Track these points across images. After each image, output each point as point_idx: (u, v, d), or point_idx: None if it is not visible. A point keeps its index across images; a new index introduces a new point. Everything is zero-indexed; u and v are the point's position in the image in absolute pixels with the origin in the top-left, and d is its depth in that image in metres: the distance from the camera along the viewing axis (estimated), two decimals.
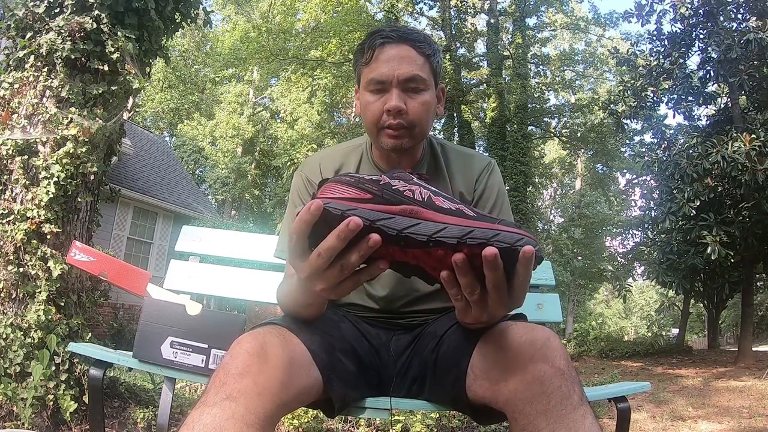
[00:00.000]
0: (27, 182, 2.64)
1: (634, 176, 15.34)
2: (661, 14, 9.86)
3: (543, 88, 19.06)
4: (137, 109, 17.69)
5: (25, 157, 2.65)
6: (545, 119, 18.93)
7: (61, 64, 2.70)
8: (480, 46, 19.62)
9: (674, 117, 18.02)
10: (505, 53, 16.99)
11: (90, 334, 2.76)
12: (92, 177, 2.83)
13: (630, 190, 18.86)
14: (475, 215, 0.68)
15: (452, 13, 17.28)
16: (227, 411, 0.69)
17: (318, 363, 0.86)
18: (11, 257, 2.55)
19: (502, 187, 1.18)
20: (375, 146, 1.14)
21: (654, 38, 10.25)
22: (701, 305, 14.84)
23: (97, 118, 2.75)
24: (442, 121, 15.76)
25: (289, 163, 17.75)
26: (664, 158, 9.44)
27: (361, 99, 1.08)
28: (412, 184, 0.70)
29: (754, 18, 8.72)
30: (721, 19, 9.19)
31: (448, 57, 15.26)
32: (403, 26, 1.08)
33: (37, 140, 2.67)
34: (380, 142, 1.07)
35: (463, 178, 1.15)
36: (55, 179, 2.63)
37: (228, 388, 0.71)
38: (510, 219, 1.15)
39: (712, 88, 9.95)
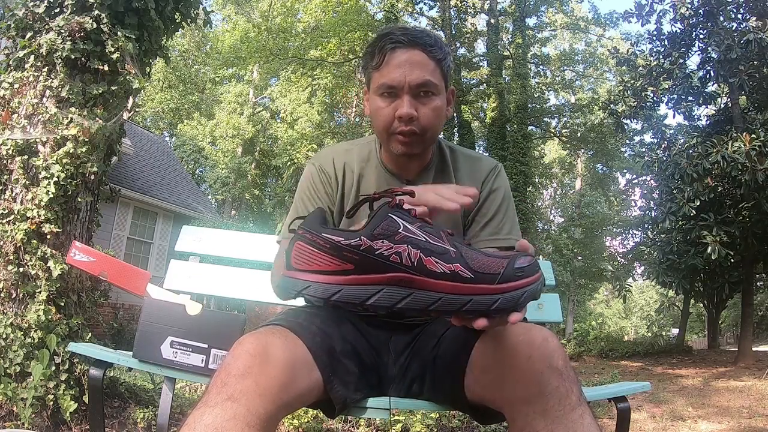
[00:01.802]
0: (27, 182, 2.64)
1: (634, 176, 15.34)
2: (661, 14, 9.87)
3: (543, 88, 19.06)
4: (137, 109, 17.68)
5: (25, 157, 2.65)
6: (545, 119, 18.92)
7: (61, 64, 2.70)
8: (480, 46, 19.63)
9: (674, 117, 18.04)
10: (505, 53, 16.99)
11: (90, 334, 2.76)
12: (92, 177, 2.83)
13: (630, 190, 18.85)
14: (472, 277, 0.60)
15: (452, 13, 17.27)
16: (228, 411, 0.69)
17: (319, 364, 0.86)
18: (11, 257, 2.55)
19: (508, 190, 1.19)
20: (384, 149, 1.14)
21: (654, 38, 10.25)
22: (701, 305, 14.83)
23: (97, 118, 2.75)
24: None
25: (289, 163, 17.76)
26: (664, 158, 9.44)
27: (371, 103, 1.07)
28: (398, 242, 0.61)
29: (754, 18, 8.72)
30: (721, 19, 9.19)
31: None
32: (412, 28, 1.07)
33: (37, 140, 2.67)
34: (391, 147, 1.07)
35: (470, 181, 1.15)
36: (55, 179, 2.63)
37: (229, 389, 0.71)
38: (514, 222, 1.16)
39: (712, 88, 9.95)
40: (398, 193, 0.67)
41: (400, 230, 0.62)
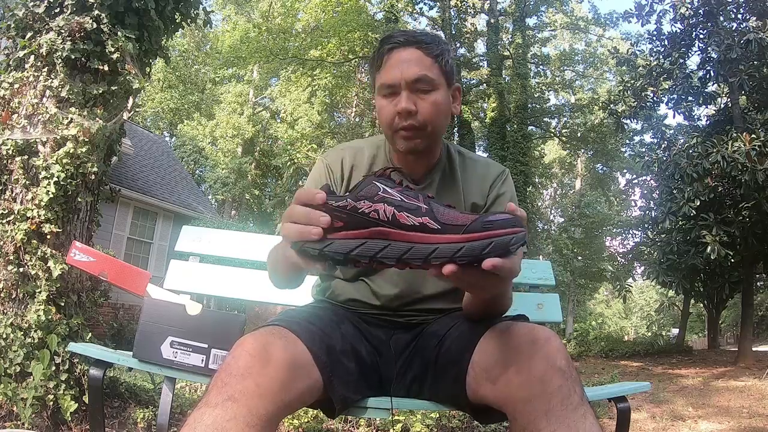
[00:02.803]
0: (27, 182, 2.63)
1: (634, 176, 15.35)
2: (661, 14, 9.87)
3: (543, 88, 19.07)
4: (137, 109, 17.69)
5: (25, 157, 2.65)
6: (545, 119, 18.94)
7: (61, 64, 2.70)
8: (480, 46, 19.63)
9: (674, 117, 18.04)
10: (505, 53, 16.99)
11: (90, 334, 2.76)
12: (92, 177, 2.83)
13: (630, 190, 18.85)
14: (439, 227, 0.68)
15: (452, 13, 17.28)
16: (229, 412, 0.69)
17: (319, 364, 0.86)
18: (11, 257, 2.55)
19: (514, 195, 1.21)
20: (392, 147, 1.16)
21: (654, 38, 10.25)
22: (701, 305, 14.84)
23: (97, 118, 2.75)
24: None
25: (289, 163, 17.76)
26: (664, 158, 9.44)
27: (377, 104, 1.11)
28: (376, 201, 0.71)
29: (754, 18, 8.72)
30: (721, 19, 9.19)
31: None
32: (413, 30, 1.13)
33: (37, 140, 2.67)
34: (396, 144, 1.09)
35: (477, 186, 1.18)
36: (55, 179, 2.63)
37: (230, 389, 0.72)
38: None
39: (712, 88, 9.95)
40: (390, 169, 0.78)
41: (379, 192, 0.72)
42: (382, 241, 0.69)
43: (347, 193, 0.73)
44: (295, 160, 17.47)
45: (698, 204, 8.35)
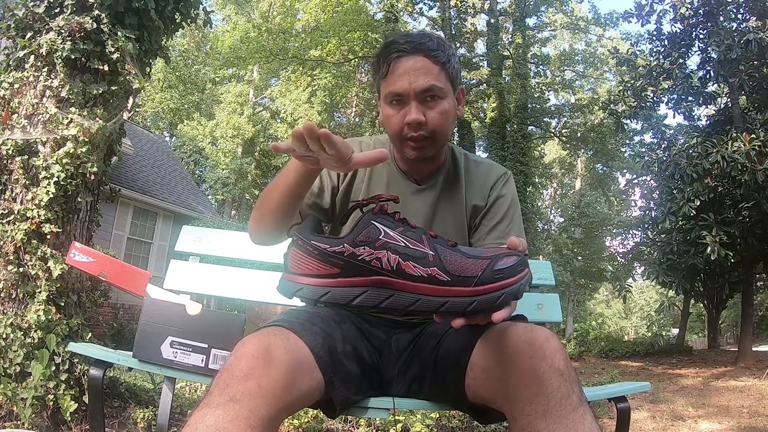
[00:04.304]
0: (27, 182, 2.63)
1: (634, 176, 15.34)
2: (661, 14, 9.86)
3: (543, 88, 19.07)
4: (137, 109, 17.69)
5: (25, 157, 2.65)
6: (545, 119, 18.94)
7: (61, 64, 2.70)
8: (480, 46, 19.64)
9: (674, 117, 18.04)
10: (505, 53, 16.99)
11: (90, 334, 2.76)
12: (92, 177, 2.83)
13: (630, 190, 18.86)
14: (449, 279, 0.64)
15: (452, 13, 17.27)
16: (231, 413, 0.69)
17: (320, 365, 0.86)
18: (11, 257, 2.55)
19: (515, 197, 1.21)
20: (397, 152, 1.16)
21: (654, 38, 10.25)
22: (701, 305, 14.84)
23: (97, 118, 2.75)
24: None
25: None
26: (664, 158, 9.45)
27: (382, 111, 1.11)
28: (378, 248, 0.65)
29: (754, 18, 8.72)
30: (721, 19, 9.19)
31: None
32: (415, 34, 1.10)
33: (37, 140, 2.67)
34: (404, 153, 1.10)
35: (478, 188, 1.18)
36: (55, 179, 2.63)
37: (232, 390, 0.72)
38: (520, 228, 1.17)
39: (712, 88, 9.95)
40: (383, 200, 0.71)
41: (380, 236, 0.66)
42: (386, 290, 0.65)
43: (343, 237, 0.67)
44: None
45: (698, 204, 8.35)
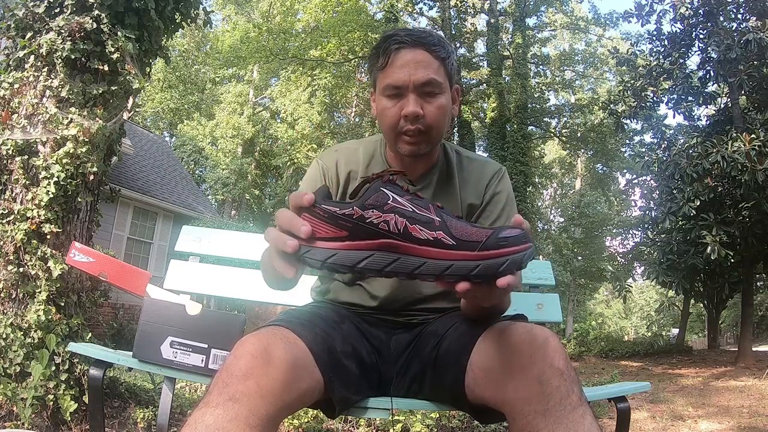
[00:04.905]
0: (27, 182, 2.63)
1: (634, 176, 15.34)
2: (661, 14, 9.87)
3: (543, 88, 19.07)
4: (137, 109, 17.69)
5: (25, 157, 2.65)
6: (545, 119, 18.93)
7: (61, 64, 2.70)
8: (480, 46, 19.63)
9: (674, 117, 18.05)
10: (505, 53, 16.99)
11: (90, 334, 2.76)
12: (92, 177, 2.83)
13: (630, 190, 18.87)
14: (454, 243, 0.65)
15: (452, 13, 17.27)
16: (230, 412, 0.69)
17: (320, 364, 0.86)
18: (11, 257, 2.55)
19: (510, 194, 1.19)
20: (390, 148, 1.15)
21: (654, 38, 10.25)
22: (701, 305, 14.84)
23: (97, 118, 2.75)
24: None
25: (289, 163, 17.77)
26: (664, 158, 9.45)
27: (378, 104, 1.09)
28: (386, 212, 0.67)
29: (754, 18, 8.72)
30: (721, 19, 9.19)
31: None
32: (416, 29, 1.08)
33: (37, 140, 2.67)
34: (398, 147, 1.08)
35: (473, 186, 1.17)
36: (55, 179, 2.63)
37: (231, 390, 0.72)
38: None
39: (712, 88, 9.96)
40: (393, 172, 0.74)
41: (389, 201, 0.68)
42: (391, 254, 0.66)
43: (352, 200, 0.70)
44: (295, 161, 17.47)
45: (698, 204, 8.35)
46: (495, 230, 0.66)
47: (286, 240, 0.67)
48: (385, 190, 0.69)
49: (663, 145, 10.20)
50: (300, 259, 0.69)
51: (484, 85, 17.58)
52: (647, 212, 10.53)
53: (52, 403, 2.42)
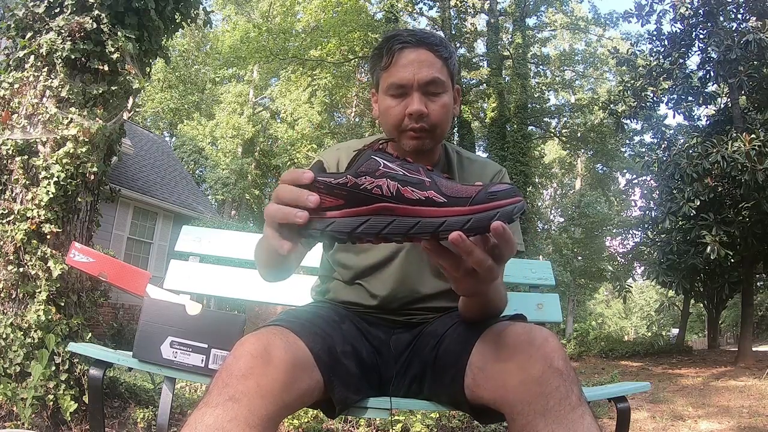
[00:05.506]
0: (27, 182, 2.63)
1: (634, 176, 15.36)
2: (661, 14, 9.87)
3: (543, 88, 19.08)
4: (137, 109, 17.68)
5: (25, 157, 2.65)
6: (545, 119, 18.94)
7: (61, 64, 2.70)
8: (480, 46, 19.64)
9: (674, 117, 18.05)
10: (505, 53, 17.00)
11: (90, 334, 2.76)
12: (92, 177, 2.83)
13: (630, 190, 18.89)
14: (445, 200, 0.68)
15: (452, 13, 17.28)
16: (230, 412, 0.69)
17: (319, 364, 0.86)
18: (11, 257, 2.55)
19: None
20: (392, 146, 1.15)
21: (654, 38, 10.25)
22: (701, 305, 14.83)
23: (97, 118, 2.75)
24: None
25: (289, 163, 17.75)
26: (664, 158, 9.45)
27: (381, 103, 1.09)
28: (378, 177, 0.70)
29: (754, 18, 8.72)
30: (721, 19, 9.20)
31: None
32: (419, 29, 1.10)
33: (37, 140, 2.67)
34: (402, 144, 1.08)
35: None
36: (55, 179, 2.63)
37: (231, 390, 0.72)
38: (517, 225, 1.16)
39: (712, 88, 9.96)
40: (382, 141, 0.77)
41: (380, 167, 0.71)
42: (387, 216, 0.68)
43: (345, 171, 0.72)
44: (295, 160, 17.46)
45: (698, 204, 8.36)
46: (484, 186, 0.69)
47: (296, 212, 0.68)
48: (375, 157, 0.72)
49: (663, 145, 10.20)
50: (301, 232, 0.71)
51: (484, 85, 17.58)
52: (647, 212, 10.53)
53: (52, 403, 2.42)
